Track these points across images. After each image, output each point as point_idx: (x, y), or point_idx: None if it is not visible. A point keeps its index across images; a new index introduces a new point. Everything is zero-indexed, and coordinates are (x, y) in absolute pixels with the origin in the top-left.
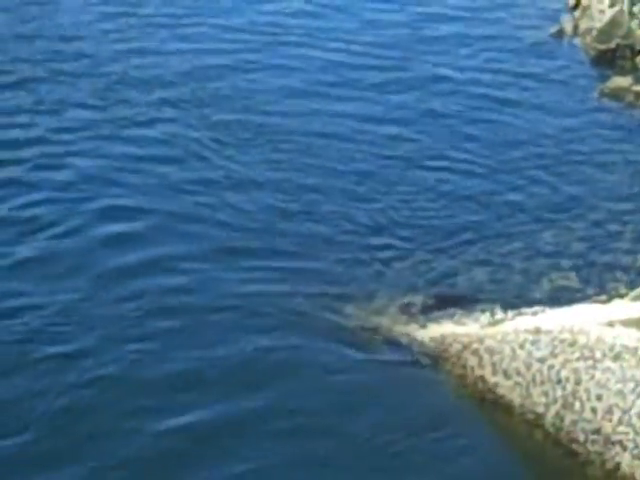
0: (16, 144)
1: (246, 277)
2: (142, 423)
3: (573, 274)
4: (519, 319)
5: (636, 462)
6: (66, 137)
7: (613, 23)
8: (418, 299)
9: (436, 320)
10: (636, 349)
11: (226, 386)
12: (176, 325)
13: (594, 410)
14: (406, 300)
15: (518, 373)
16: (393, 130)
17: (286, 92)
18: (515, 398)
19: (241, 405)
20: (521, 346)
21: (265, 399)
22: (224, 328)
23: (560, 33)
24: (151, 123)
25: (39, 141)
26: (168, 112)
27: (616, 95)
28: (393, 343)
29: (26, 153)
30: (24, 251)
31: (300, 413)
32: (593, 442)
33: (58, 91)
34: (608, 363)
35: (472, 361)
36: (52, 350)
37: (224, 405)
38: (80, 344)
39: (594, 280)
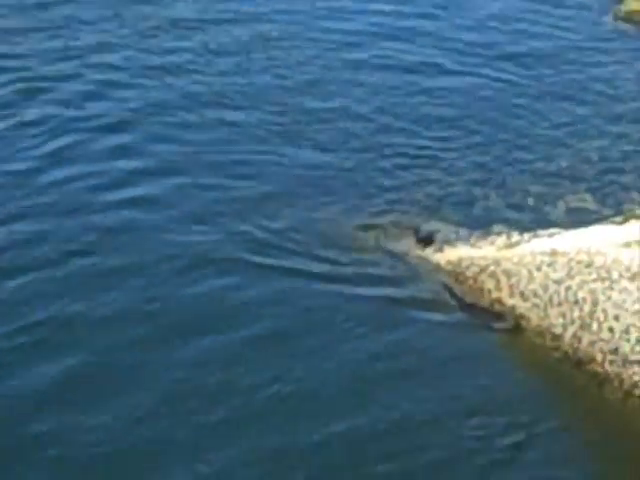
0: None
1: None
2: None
3: (589, 196)
4: (535, 241)
5: None
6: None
7: None
8: (434, 223)
9: (452, 244)
10: None
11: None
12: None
13: (612, 330)
14: (422, 224)
15: (535, 295)
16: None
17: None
18: (533, 320)
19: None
20: (538, 268)
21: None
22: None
23: None
24: (206, 119)
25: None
26: (221, 109)
27: (630, 18)
28: (410, 268)
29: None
30: (65, 233)
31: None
32: (611, 362)
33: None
34: (625, 284)
35: (489, 284)
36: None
37: (267, 387)
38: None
39: (610, 201)
